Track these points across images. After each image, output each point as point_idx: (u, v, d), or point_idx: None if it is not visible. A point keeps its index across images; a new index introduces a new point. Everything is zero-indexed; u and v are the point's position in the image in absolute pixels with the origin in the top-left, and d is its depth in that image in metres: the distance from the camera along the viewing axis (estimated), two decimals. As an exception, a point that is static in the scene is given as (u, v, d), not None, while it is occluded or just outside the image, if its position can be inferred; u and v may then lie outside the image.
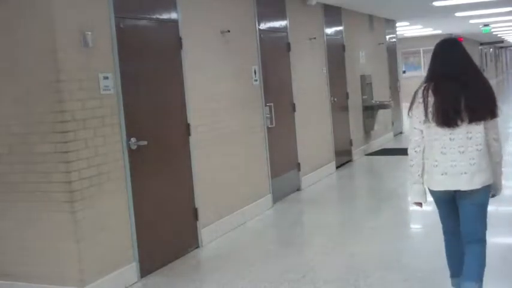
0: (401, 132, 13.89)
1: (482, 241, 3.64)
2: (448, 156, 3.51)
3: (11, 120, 4.51)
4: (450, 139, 3.51)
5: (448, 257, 3.89)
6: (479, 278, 3.57)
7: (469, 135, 3.49)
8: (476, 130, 3.49)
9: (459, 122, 3.47)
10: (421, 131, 3.59)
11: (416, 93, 3.61)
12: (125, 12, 4.93)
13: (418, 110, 3.56)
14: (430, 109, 3.51)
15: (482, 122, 3.49)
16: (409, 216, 6.78)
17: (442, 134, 3.52)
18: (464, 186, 3.50)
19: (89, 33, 4.49)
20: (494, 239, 5.50)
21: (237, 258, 5.42)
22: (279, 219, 6.92)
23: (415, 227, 6.19)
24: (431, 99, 3.50)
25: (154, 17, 5.39)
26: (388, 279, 4.55)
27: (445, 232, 3.87)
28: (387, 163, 10.30)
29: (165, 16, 5.54)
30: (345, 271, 4.90)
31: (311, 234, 6.30)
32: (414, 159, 3.64)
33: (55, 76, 4.28)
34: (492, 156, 3.57)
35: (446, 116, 3.48)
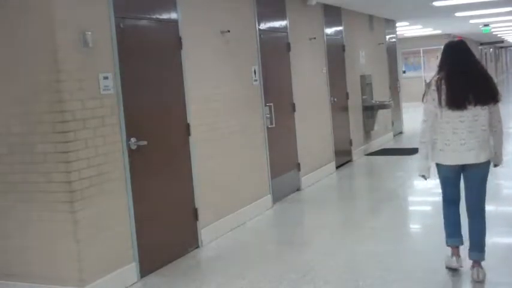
0: (401, 132, 13.89)
1: (484, 211, 4.35)
2: (459, 135, 4.20)
3: (11, 120, 4.51)
4: (460, 121, 4.19)
5: (446, 221, 4.55)
6: (483, 248, 4.33)
7: (475, 117, 4.17)
8: (482, 114, 4.18)
9: (468, 106, 4.14)
10: (435, 114, 4.24)
11: (430, 83, 4.27)
12: (125, 12, 4.93)
13: (432, 96, 4.22)
14: (443, 96, 4.16)
15: (487, 107, 4.19)
16: (409, 216, 6.78)
17: (453, 117, 4.19)
18: (472, 160, 4.21)
19: (89, 33, 4.49)
20: (495, 239, 5.51)
21: (237, 258, 5.41)
22: (279, 219, 6.92)
23: (415, 227, 6.18)
24: (444, 87, 4.17)
25: (154, 17, 5.39)
26: (388, 279, 4.55)
27: (446, 200, 4.53)
28: (387, 163, 10.30)
29: (165, 16, 5.54)
30: (345, 271, 4.90)
31: (311, 234, 6.30)
32: (426, 137, 4.31)
33: (55, 76, 4.28)
34: (496, 134, 4.31)
35: (457, 100, 4.14)
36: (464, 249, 4.50)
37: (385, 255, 5.18)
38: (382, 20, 13.01)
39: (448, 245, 4.56)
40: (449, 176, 4.40)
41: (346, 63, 10.38)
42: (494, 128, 4.29)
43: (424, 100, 4.30)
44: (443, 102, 4.17)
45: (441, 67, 4.32)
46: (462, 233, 4.53)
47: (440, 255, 4.73)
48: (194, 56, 5.84)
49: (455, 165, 4.29)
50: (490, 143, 4.29)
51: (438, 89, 4.20)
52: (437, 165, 4.39)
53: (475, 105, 4.15)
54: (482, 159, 4.22)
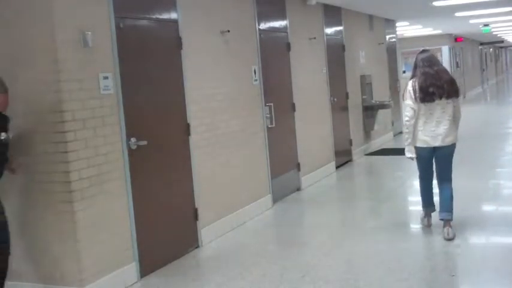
0: (401, 132, 13.87)
1: (451, 180, 5.50)
2: (430, 124, 5.34)
3: (10, 120, 4.50)
4: (430, 113, 5.33)
5: (422, 194, 5.76)
6: (451, 209, 5.44)
7: (443, 110, 5.33)
8: (447, 107, 5.33)
9: (435, 100, 5.28)
10: (413, 109, 5.31)
11: (407, 84, 5.46)
12: (124, 12, 4.93)
13: (410, 94, 5.35)
14: (417, 94, 5.30)
15: (451, 101, 5.34)
16: (409, 216, 6.78)
17: (426, 110, 5.32)
18: (440, 144, 5.36)
19: (89, 33, 4.49)
20: (495, 239, 5.52)
21: (237, 258, 5.41)
22: (279, 219, 6.92)
23: (415, 226, 6.18)
24: (417, 87, 5.32)
25: (154, 17, 5.39)
26: (388, 279, 4.55)
27: (421, 177, 5.72)
28: (387, 163, 10.30)
29: (165, 16, 5.54)
30: (345, 271, 4.90)
31: (311, 234, 6.30)
32: (408, 128, 5.39)
33: (55, 76, 4.28)
34: (456, 122, 5.45)
35: (427, 96, 5.28)
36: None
37: (385, 255, 5.18)
38: (382, 20, 13.01)
39: (423, 211, 5.84)
40: (424, 156, 5.49)
41: (346, 63, 10.38)
42: (457, 117, 5.44)
43: (404, 98, 5.46)
44: (418, 99, 5.29)
45: (415, 72, 5.46)
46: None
47: (441, 255, 4.73)
48: (194, 56, 5.84)
49: (428, 147, 5.39)
50: (454, 130, 5.42)
51: (414, 89, 5.33)
52: (415, 147, 5.44)
53: (441, 99, 5.28)
54: (448, 142, 5.36)
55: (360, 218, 6.73)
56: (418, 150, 5.44)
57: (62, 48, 4.30)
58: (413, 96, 5.31)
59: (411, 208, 7.19)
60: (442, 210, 5.47)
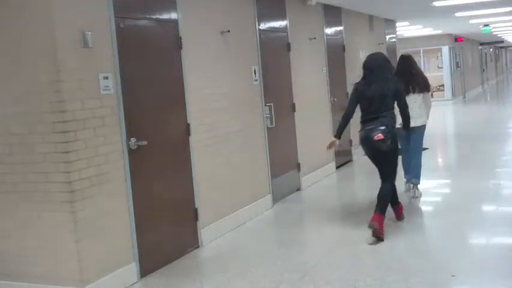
0: (401, 132, 13.86)
1: (420, 153, 7.22)
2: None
3: (11, 120, 4.51)
4: (409, 101, 6.15)
5: (403, 163, 7.23)
6: (419, 176, 7.16)
7: (415, 99, 6.94)
8: (418, 98, 7.01)
9: (410, 92, 6.86)
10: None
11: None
12: (125, 12, 4.93)
13: None
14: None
15: (422, 94, 7.04)
16: (409, 216, 6.77)
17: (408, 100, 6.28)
18: (413, 124, 6.42)
19: (89, 33, 4.49)
20: (495, 239, 5.52)
21: (237, 258, 5.42)
22: (279, 219, 6.92)
23: (415, 226, 6.18)
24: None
25: (154, 17, 5.39)
26: (388, 279, 4.55)
27: (404, 150, 7.14)
28: (387, 163, 10.28)
29: (165, 16, 5.54)
30: (345, 271, 4.90)
31: (311, 234, 6.30)
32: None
33: (55, 76, 4.28)
34: (428, 109, 7.15)
35: (406, 89, 6.51)
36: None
37: (385, 255, 5.18)
38: (382, 20, 13.00)
39: (405, 178, 7.36)
40: (403, 136, 6.70)
41: (346, 63, 10.38)
42: (427, 106, 7.12)
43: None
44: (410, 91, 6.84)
45: (398, 71, 6.90)
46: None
47: (441, 255, 4.74)
48: (194, 56, 5.84)
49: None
50: (424, 115, 7.07)
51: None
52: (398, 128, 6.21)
53: (414, 93, 6.93)
54: (419, 123, 6.91)
55: (360, 218, 6.72)
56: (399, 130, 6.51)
57: (62, 48, 4.30)
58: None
59: (411, 208, 7.17)
60: (414, 176, 7.13)
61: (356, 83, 5.94)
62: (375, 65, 5.79)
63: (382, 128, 5.50)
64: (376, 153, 5.70)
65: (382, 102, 5.65)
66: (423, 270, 4.70)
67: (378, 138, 5.45)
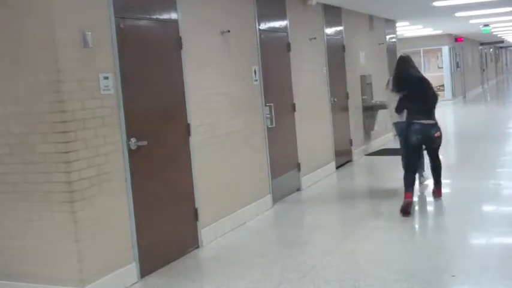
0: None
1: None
2: None
3: (11, 120, 4.51)
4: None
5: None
6: (423, 166, 7.78)
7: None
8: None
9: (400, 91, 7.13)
10: (390, 97, 7.22)
11: (388, 80, 7.37)
12: (125, 12, 4.93)
13: (390, 87, 7.17)
14: (393, 86, 7.10)
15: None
16: (408, 216, 6.77)
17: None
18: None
19: (89, 33, 4.49)
20: (495, 239, 5.52)
21: (237, 258, 5.41)
22: (279, 219, 6.92)
23: (415, 226, 6.18)
24: (394, 82, 7.05)
25: (154, 17, 5.39)
26: (388, 279, 4.55)
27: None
28: (387, 163, 10.28)
29: (165, 16, 5.54)
30: (345, 271, 4.90)
31: (311, 234, 6.30)
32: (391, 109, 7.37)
33: (55, 76, 4.28)
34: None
35: (399, 88, 6.97)
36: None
37: (385, 255, 5.18)
38: (382, 20, 13.00)
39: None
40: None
41: (346, 63, 10.38)
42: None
43: (386, 88, 7.35)
44: (394, 90, 6.94)
45: (394, 70, 7.18)
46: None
47: (441, 255, 4.73)
48: (194, 56, 5.84)
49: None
50: None
51: (391, 83, 7.11)
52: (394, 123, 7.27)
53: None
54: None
55: (360, 218, 6.73)
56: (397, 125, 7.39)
57: (62, 48, 4.30)
58: (391, 88, 7.19)
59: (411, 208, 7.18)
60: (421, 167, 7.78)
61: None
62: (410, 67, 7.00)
63: (438, 126, 6.65)
64: (429, 143, 6.74)
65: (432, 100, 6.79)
66: (423, 270, 4.70)
67: (438, 136, 6.63)
